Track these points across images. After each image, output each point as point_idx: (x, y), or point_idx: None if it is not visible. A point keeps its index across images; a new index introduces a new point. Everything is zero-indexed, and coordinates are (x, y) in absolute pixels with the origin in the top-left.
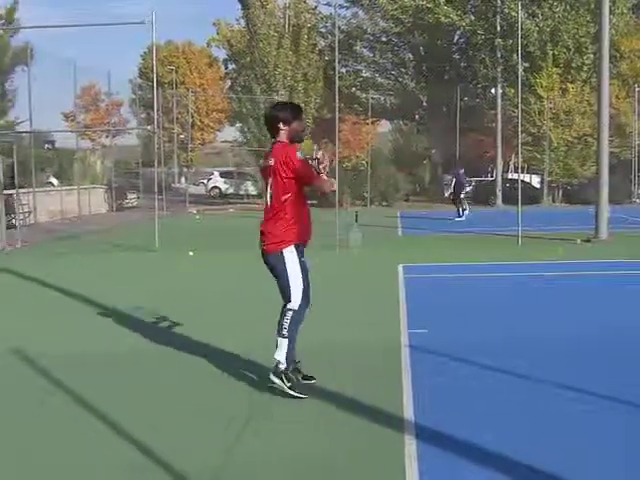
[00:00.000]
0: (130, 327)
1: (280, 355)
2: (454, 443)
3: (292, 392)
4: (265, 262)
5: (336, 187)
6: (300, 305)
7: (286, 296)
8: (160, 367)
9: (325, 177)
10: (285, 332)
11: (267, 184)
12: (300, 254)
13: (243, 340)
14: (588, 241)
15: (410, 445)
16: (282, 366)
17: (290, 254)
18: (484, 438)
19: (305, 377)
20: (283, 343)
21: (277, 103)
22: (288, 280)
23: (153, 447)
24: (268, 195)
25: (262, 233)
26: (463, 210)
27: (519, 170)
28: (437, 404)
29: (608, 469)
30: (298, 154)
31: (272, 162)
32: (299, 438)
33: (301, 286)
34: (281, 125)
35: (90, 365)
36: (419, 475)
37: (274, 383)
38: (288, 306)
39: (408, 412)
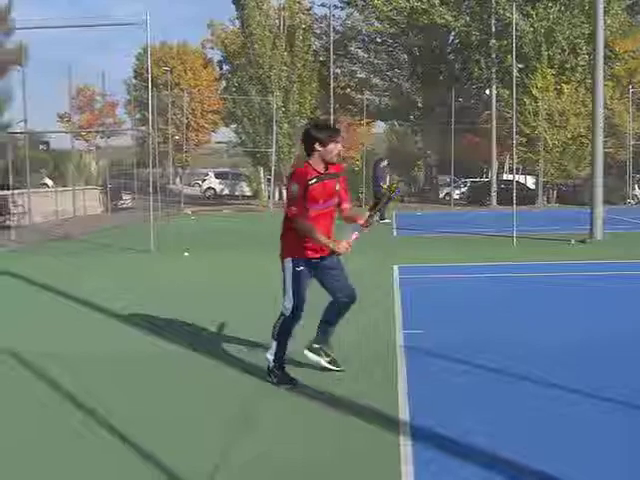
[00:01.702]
0: (125, 328)
1: (270, 354)
2: (450, 444)
3: (280, 386)
4: None
5: (342, 251)
6: (292, 312)
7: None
8: (158, 367)
9: (353, 236)
10: (276, 335)
11: None
12: (309, 266)
13: (243, 339)
14: (583, 242)
15: (406, 447)
16: (270, 365)
17: (290, 265)
18: (479, 439)
19: (332, 361)
20: (273, 345)
21: (316, 123)
22: (285, 287)
23: (149, 448)
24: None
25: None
26: (379, 215)
27: (514, 171)
28: (433, 405)
29: (603, 469)
30: (295, 187)
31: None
32: (294, 440)
33: (292, 296)
34: (317, 146)
35: (86, 365)
36: (414, 477)
37: (269, 381)
38: (282, 311)
39: (404, 413)
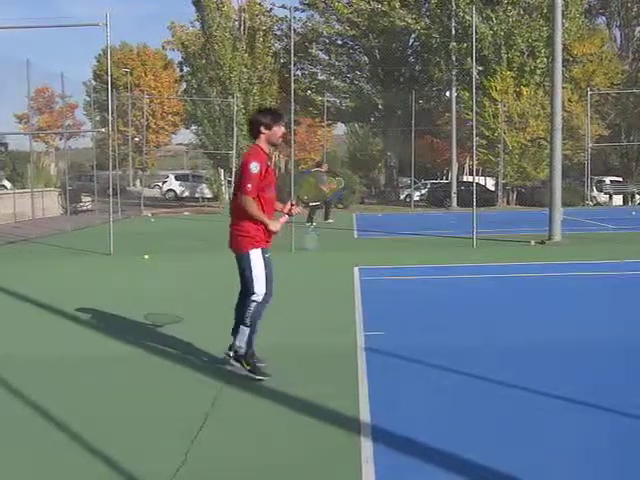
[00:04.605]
0: (84, 330)
1: (241, 341)
2: (410, 444)
3: (252, 375)
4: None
5: (277, 229)
6: (264, 297)
7: (249, 289)
8: (117, 369)
9: (282, 219)
10: (248, 321)
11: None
12: (267, 252)
13: (206, 340)
14: (542, 243)
15: (366, 448)
16: (242, 350)
17: (257, 255)
18: (439, 438)
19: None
20: (245, 330)
21: (261, 108)
22: (252, 275)
23: (109, 451)
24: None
25: (231, 230)
26: (310, 220)
27: (474, 173)
28: (393, 406)
29: (562, 469)
30: (256, 165)
31: (242, 161)
32: (255, 442)
33: (264, 281)
34: (263, 129)
35: (44, 368)
36: (375, 476)
37: (233, 366)
38: (252, 298)
39: (364, 414)
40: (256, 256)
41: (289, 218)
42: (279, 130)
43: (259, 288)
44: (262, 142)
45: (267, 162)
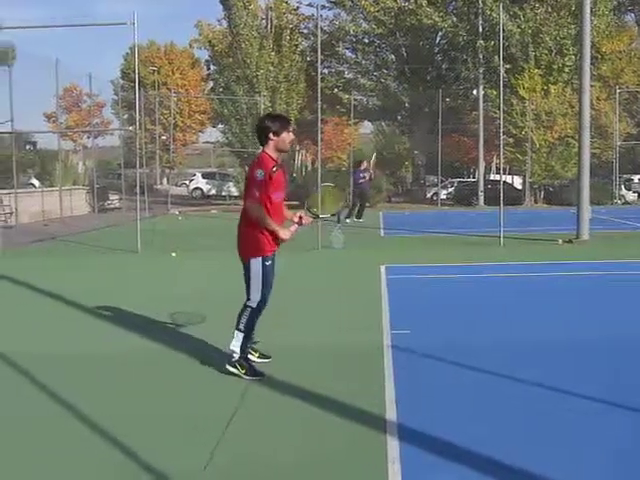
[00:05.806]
0: (111, 327)
1: (235, 346)
2: (436, 443)
3: (247, 377)
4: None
5: (287, 238)
6: (258, 304)
7: (247, 294)
8: (143, 366)
9: (292, 228)
10: (242, 327)
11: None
12: (268, 260)
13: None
14: (570, 242)
15: (393, 447)
16: (236, 355)
17: (260, 263)
18: (465, 438)
19: (261, 355)
20: (239, 336)
21: (268, 114)
22: (250, 282)
23: (135, 447)
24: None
25: (238, 235)
26: (345, 216)
27: (501, 171)
28: (419, 405)
29: (593, 469)
30: (261, 172)
31: (249, 168)
32: (281, 440)
33: (260, 289)
34: (271, 135)
35: (72, 365)
36: (401, 476)
37: (230, 372)
38: (247, 303)
39: (391, 413)
40: (257, 264)
41: (299, 228)
42: (287, 136)
43: (254, 295)
44: (270, 149)
45: (274, 168)
